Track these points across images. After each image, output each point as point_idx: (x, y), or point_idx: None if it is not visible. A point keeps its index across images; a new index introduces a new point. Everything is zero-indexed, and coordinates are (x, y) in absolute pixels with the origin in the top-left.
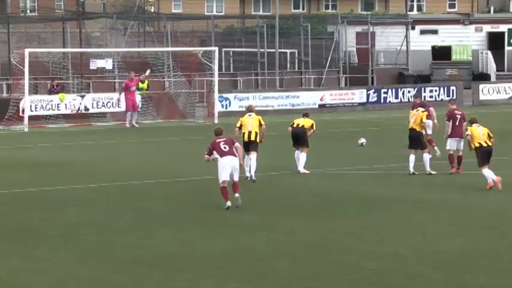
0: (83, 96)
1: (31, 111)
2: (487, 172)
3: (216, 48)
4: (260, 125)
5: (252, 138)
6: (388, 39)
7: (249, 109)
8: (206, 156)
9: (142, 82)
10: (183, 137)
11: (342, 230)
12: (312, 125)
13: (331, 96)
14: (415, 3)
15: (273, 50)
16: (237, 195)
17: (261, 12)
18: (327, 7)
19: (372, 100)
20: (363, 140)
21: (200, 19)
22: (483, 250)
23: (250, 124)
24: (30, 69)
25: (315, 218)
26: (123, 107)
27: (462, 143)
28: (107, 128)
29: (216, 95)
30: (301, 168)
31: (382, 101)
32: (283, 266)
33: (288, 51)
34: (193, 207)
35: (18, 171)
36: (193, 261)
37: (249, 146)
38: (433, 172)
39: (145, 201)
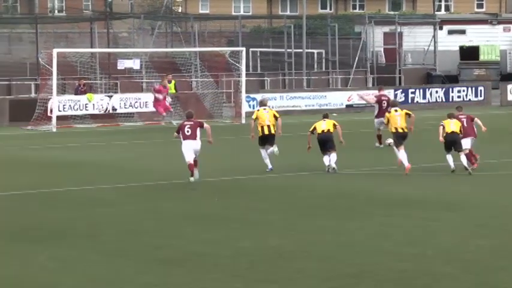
0: (110, 97)
1: (59, 111)
2: (402, 154)
3: (244, 49)
4: (276, 118)
5: (272, 131)
6: (416, 39)
7: (263, 103)
8: (175, 133)
9: (169, 82)
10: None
11: (371, 230)
12: (334, 124)
13: (358, 97)
14: (442, 3)
15: (300, 50)
16: (196, 172)
17: (288, 13)
18: (354, 7)
19: (400, 100)
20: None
21: (227, 19)
22: (511, 250)
23: (267, 118)
24: (58, 69)
25: (343, 218)
26: (150, 107)
27: (468, 140)
28: (135, 128)
29: (243, 95)
30: (333, 163)
31: (409, 101)
32: (311, 267)
33: (315, 51)
34: (220, 207)
35: (46, 171)
36: (221, 261)
37: (267, 139)
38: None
39: (172, 201)
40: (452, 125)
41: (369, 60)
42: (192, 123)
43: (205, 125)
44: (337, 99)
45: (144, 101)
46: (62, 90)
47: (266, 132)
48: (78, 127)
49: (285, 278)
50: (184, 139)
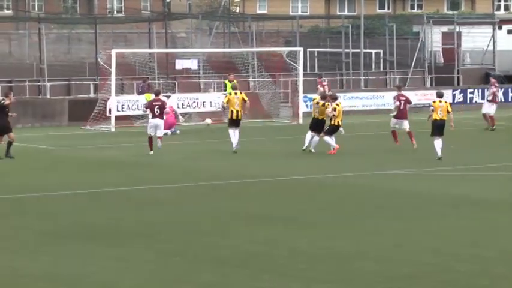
0: (168, 97)
1: (117, 111)
2: (328, 140)
3: (301, 49)
4: (244, 101)
5: (239, 117)
6: (475, 39)
7: (235, 87)
8: (144, 107)
9: (231, 82)
10: (268, 137)
11: (430, 231)
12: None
13: (416, 97)
14: (502, 3)
15: (358, 50)
16: (159, 141)
17: (346, 12)
18: (412, 7)
19: (458, 100)
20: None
21: (285, 19)
22: None
23: (236, 103)
24: (117, 69)
25: (401, 219)
26: (208, 107)
27: (405, 122)
28: (193, 128)
29: (301, 95)
30: (313, 147)
31: (468, 101)
32: (368, 267)
33: (373, 51)
34: (277, 207)
35: (105, 170)
36: (278, 261)
37: (235, 123)
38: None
39: (227, 201)
40: (440, 111)
41: (427, 60)
42: (160, 103)
43: (166, 108)
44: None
45: (201, 101)
46: (120, 90)
47: (235, 117)
48: (137, 127)
49: (342, 279)
50: (152, 117)
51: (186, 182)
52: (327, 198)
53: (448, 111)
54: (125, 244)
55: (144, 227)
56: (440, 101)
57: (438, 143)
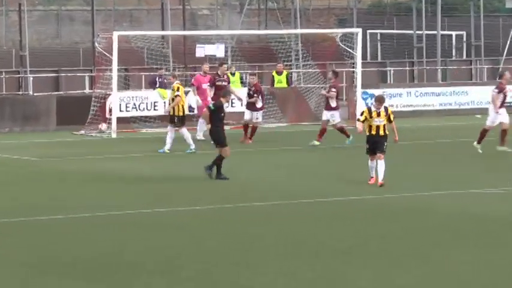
0: (186, 93)
1: (120, 111)
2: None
3: (359, 30)
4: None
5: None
6: None
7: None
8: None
9: (280, 74)
10: (314, 146)
11: None
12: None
13: (511, 92)
14: None
15: (434, 32)
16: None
17: None
18: None
19: None
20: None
21: None
22: None
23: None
24: (120, 57)
25: (483, 249)
26: (238, 107)
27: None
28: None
29: (359, 90)
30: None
31: None
32: None
33: (454, 33)
34: (330, 234)
35: (106, 188)
36: None
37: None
38: None
39: (262, 227)
40: None
41: None
42: None
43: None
44: (481, 95)
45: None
46: (124, 85)
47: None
48: (145, 132)
49: None
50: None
51: (209, 205)
52: (391, 223)
53: None
54: (130, 283)
55: (160, 259)
56: None
57: None
